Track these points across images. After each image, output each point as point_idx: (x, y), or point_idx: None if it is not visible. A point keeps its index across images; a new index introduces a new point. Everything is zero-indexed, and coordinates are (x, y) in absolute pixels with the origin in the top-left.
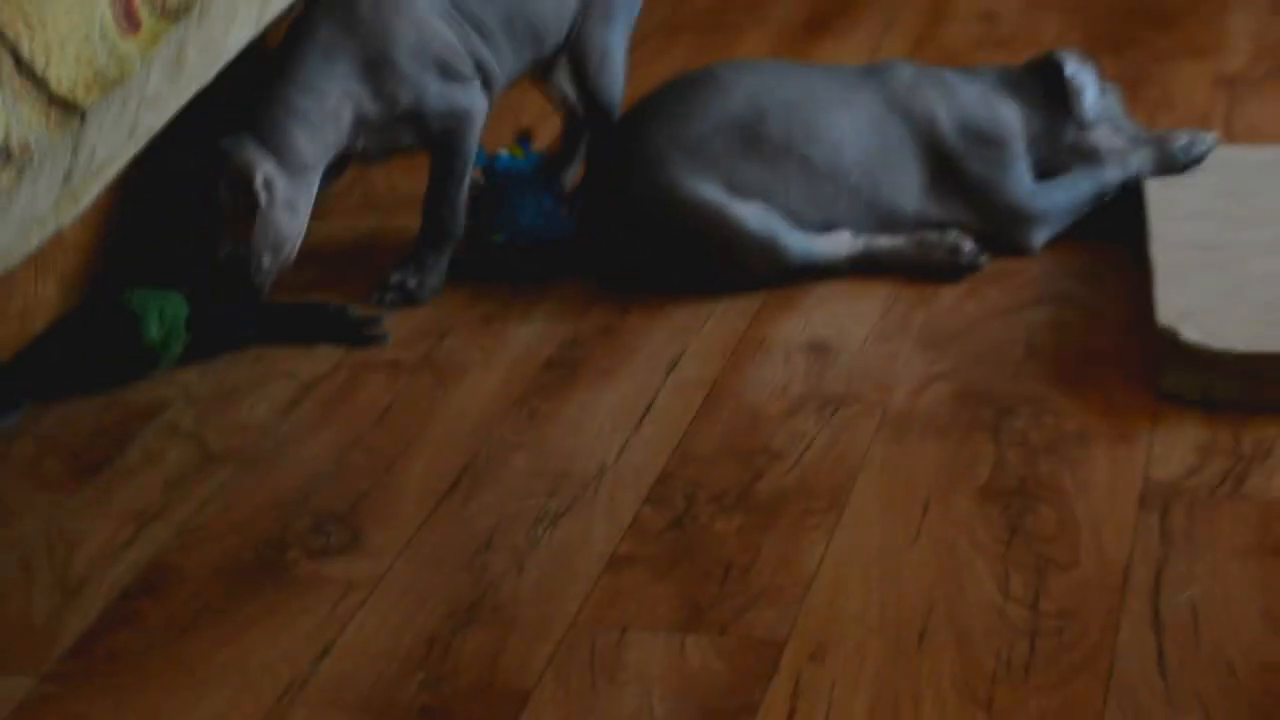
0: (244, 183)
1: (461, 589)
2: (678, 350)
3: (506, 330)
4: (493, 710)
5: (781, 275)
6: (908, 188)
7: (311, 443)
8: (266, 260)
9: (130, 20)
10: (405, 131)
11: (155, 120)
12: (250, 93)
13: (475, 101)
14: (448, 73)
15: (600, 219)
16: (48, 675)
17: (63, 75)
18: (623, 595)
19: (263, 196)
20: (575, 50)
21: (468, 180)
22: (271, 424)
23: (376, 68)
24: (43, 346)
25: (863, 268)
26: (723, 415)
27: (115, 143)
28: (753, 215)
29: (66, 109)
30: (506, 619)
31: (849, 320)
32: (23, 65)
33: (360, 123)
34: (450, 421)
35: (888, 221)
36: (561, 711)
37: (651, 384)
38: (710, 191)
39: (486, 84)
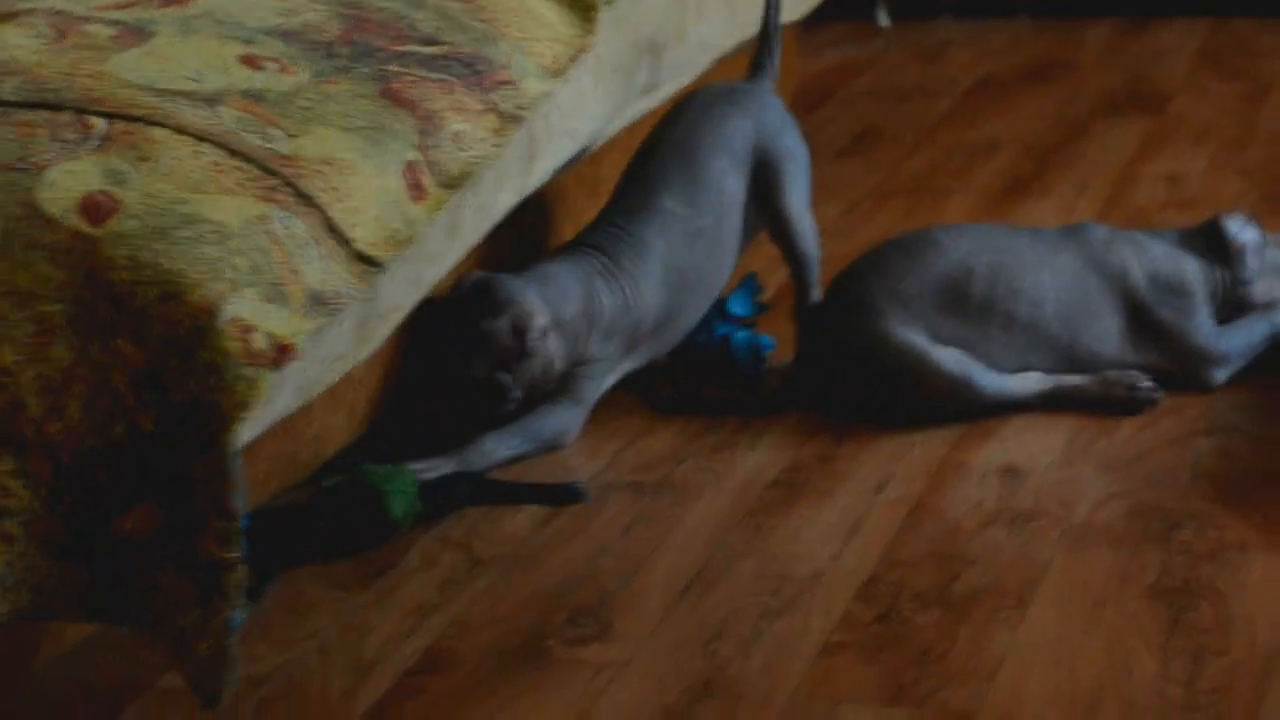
0: (523, 328)
1: (696, 671)
2: (886, 474)
3: (735, 457)
4: None
5: (977, 410)
6: (1105, 335)
7: (566, 550)
8: (520, 394)
9: (418, 189)
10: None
11: (435, 274)
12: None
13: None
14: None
15: (820, 358)
16: None
17: (365, 236)
18: (835, 675)
19: (538, 344)
20: (772, 225)
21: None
22: (530, 535)
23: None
24: (294, 521)
25: (1051, 404)
26: (925, 528)
27: (402, 293)
28: (951, 359)
29: (367, 265)
30: (735, 695)
31: (1037, 448)
32: (333, 228)
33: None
34: (686, 534)
35: (1084, 365)
36: None
37: (863, 502)
38: (915, 338)
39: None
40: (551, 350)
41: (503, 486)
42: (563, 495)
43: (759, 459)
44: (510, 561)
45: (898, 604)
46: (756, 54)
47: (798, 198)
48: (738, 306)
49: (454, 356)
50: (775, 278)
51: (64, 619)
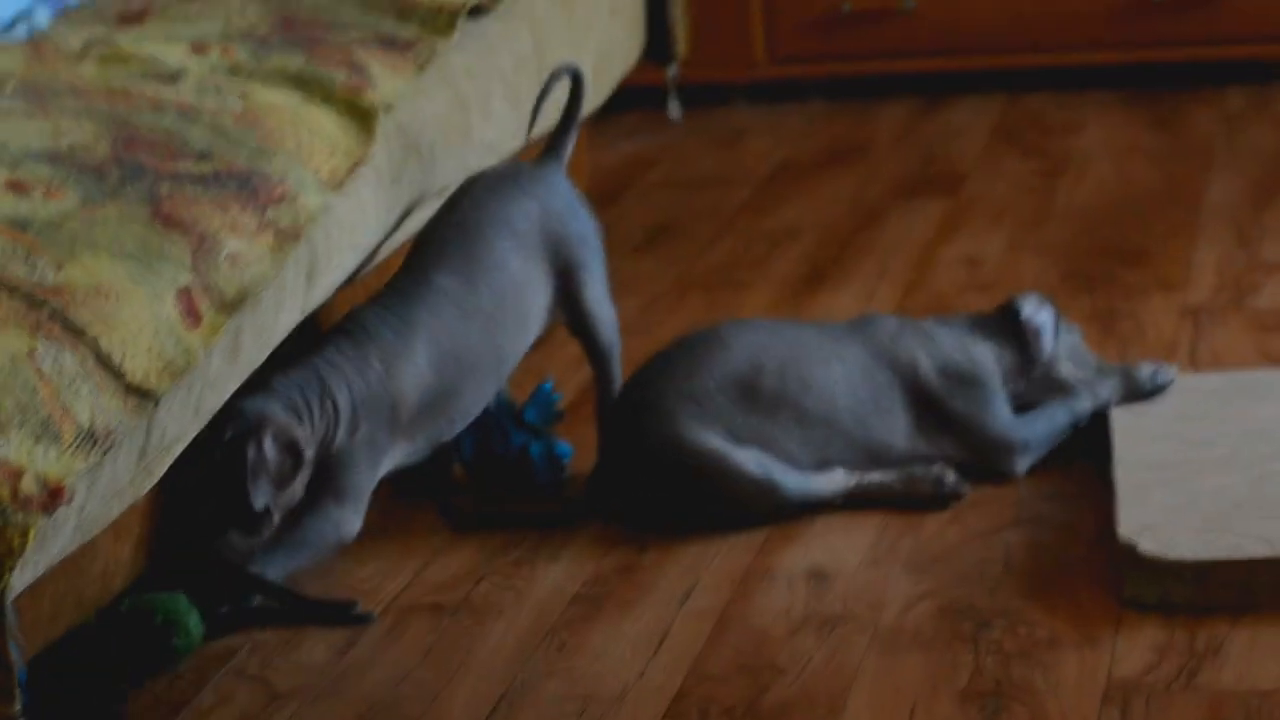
0: (289, 443)
1: None
2: (690, 582)
3: (535, 572)
4: None
5: (781, 512)
6: (896, 428)
7: (366, 678)
8: (279, 516)
9: (193, 315)
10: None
11: (216, 400)
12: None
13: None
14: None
15: (615, 466)
16: None
17: (137, 367)
18: None
19: (307, 454)
20: (568, 310)
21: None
22: (329, 664)
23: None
24: (71, 657)
25: (856, 502)
26: (731, 638)
27: (182, 422)
28: (752, 460)
29: (142, 396)
30: None
31: (844, 549)
32: (103, 359)
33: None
34: (488, 655)
35: (879, 458)
36: None
37: (667, 614)
38: (713, 440)
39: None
40: (307, 458)
41: (284, 604)
42: (341, 615)
43: (560, 573)
44: (310, 693)
45: None
46: (551, 137)
47: (594, 285)
48: (534, 415)
49: (219, 494)
50: (576, 378)
51: None
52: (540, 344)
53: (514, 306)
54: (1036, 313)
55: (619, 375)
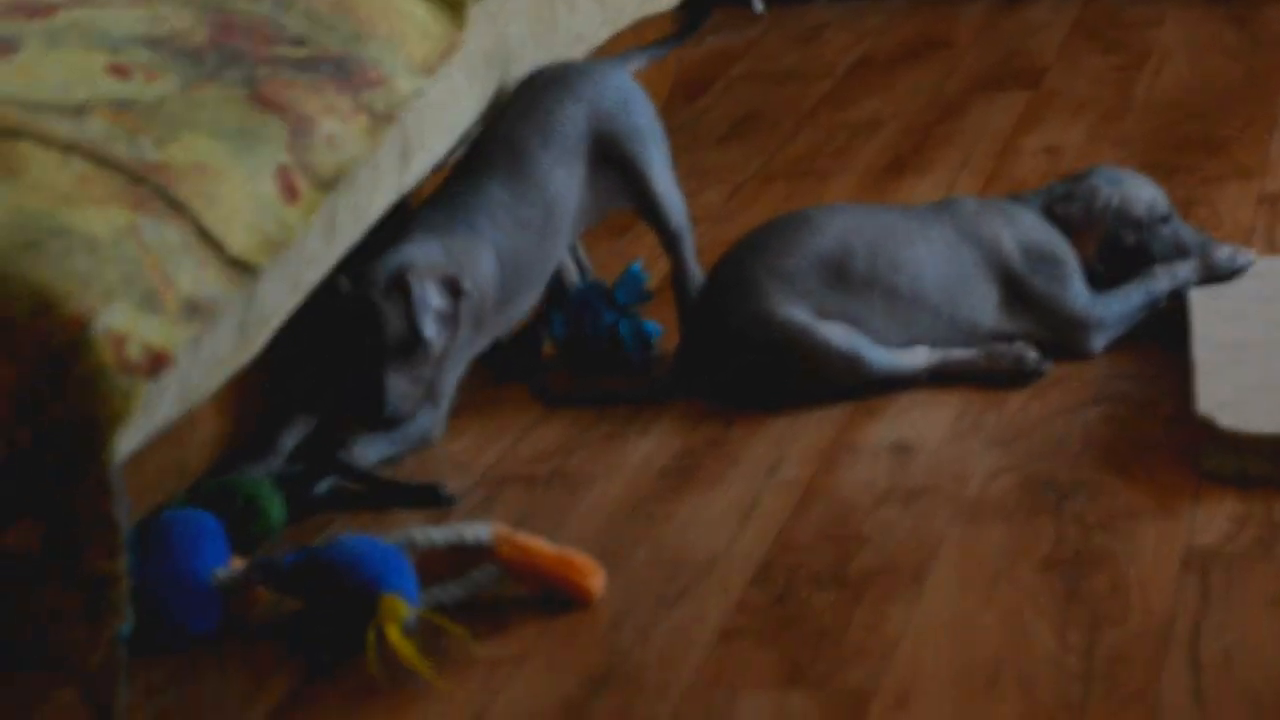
0: (449, 280)
1: (594, 662)
2: (777, 456)
3: (626, 446)
4: None
5: (866, 387)
6: (981, 306)
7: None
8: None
9: (291, 192)
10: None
11: (313, 276)
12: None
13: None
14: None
15: (704, 342)
16: None
17: (236, 241)
18: (734, 661)
19: (465, 286)
20: (638, 203)
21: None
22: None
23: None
24: None
25: (939, 378)
26: (818, 509)
27: (281, 296)
28: (839, 335)
29: (242, 269)
30: (633, 684)
31: (927, 423)
32: (204, 233)
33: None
34: (580, 525)
35: (964, 337)
36: None
37: (755, 486)
38: (801, 315)
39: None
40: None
41: (371, 486)
42: (427, 496)
43: (649, 447)
44: None
45: (793, 587)
46: (644, 46)
47: (658, 174)
48: (624, 294)
49: (383, 335)
50: (664, 260)
51: None
52: (628, 228)
53: (561, 216)
54: (1109, 186)
55: (692, 258)
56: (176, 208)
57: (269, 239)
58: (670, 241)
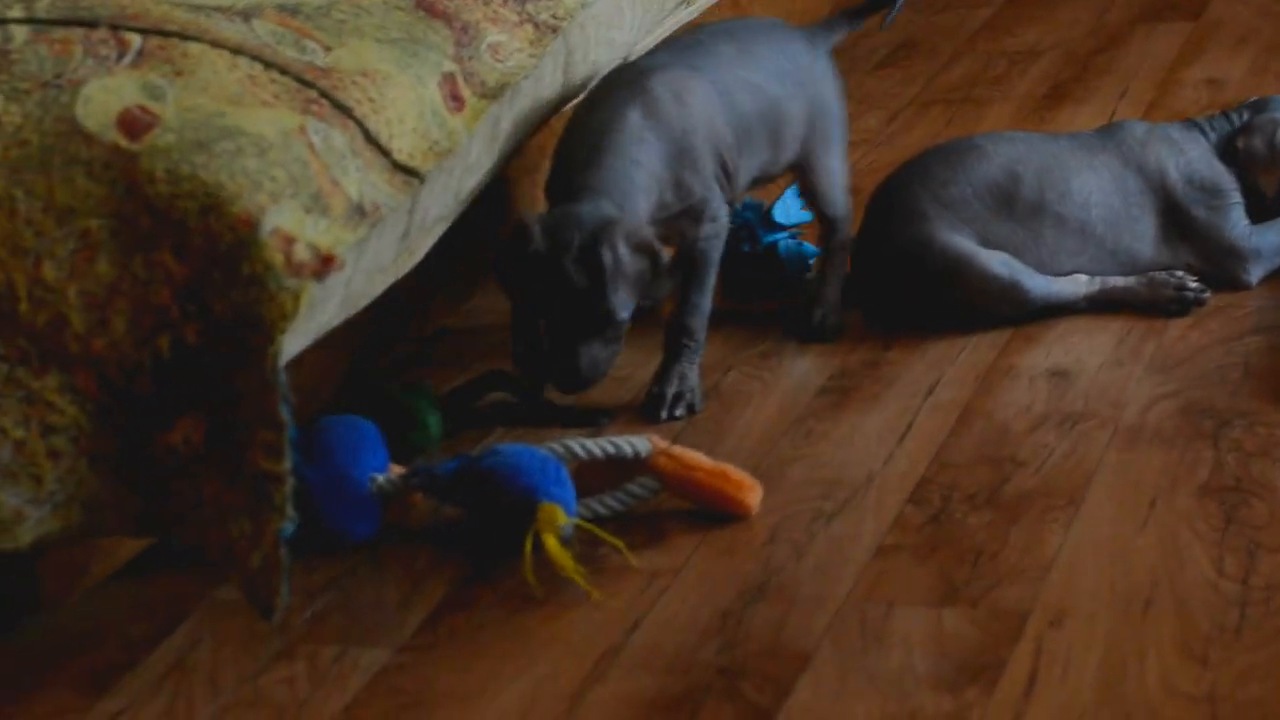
0: (649, 249)
1: (750, 575)
2: (934, 378)
3: (782, 364)
4: (779, 668)
5: (1025, 314)
6: (1144, 235)
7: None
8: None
9: (456, 100)
10: (678, 233)
11: (475, 185)
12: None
13: (727, 213)
14: (721, 175)
15: (867, 265)
16: (400, 648)
17: (403, 146)
18: (888, 577)
19: (662, 255)
20: (805, 176)
21: (711, 294)
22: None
23: (680, 155)
24: None
25: (1098, 306)
26: (974, 431)
27: (444, 204)
28: (999, 262)
29: (407, 174)
30: (789, 597)
31: (1086, 351)
32: (370, 138)
33: (658, 213)
34: (736, 441)
35: (1126, 266)
36: (838, 669)
37: (911, 406)
38: (962, 242)
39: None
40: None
41: (530, 403)
42: (585, 415)
43: (806, 366)
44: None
45: (949, 506)
46: (840, 16)
47: (837, 160)
48: (782, 215)
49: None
50: None
51: (115, 534)
52: None
53: (777, 115)
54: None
55: (845, 245)
56: (343, 112)
57: (434, 146)
58: (828, 230)
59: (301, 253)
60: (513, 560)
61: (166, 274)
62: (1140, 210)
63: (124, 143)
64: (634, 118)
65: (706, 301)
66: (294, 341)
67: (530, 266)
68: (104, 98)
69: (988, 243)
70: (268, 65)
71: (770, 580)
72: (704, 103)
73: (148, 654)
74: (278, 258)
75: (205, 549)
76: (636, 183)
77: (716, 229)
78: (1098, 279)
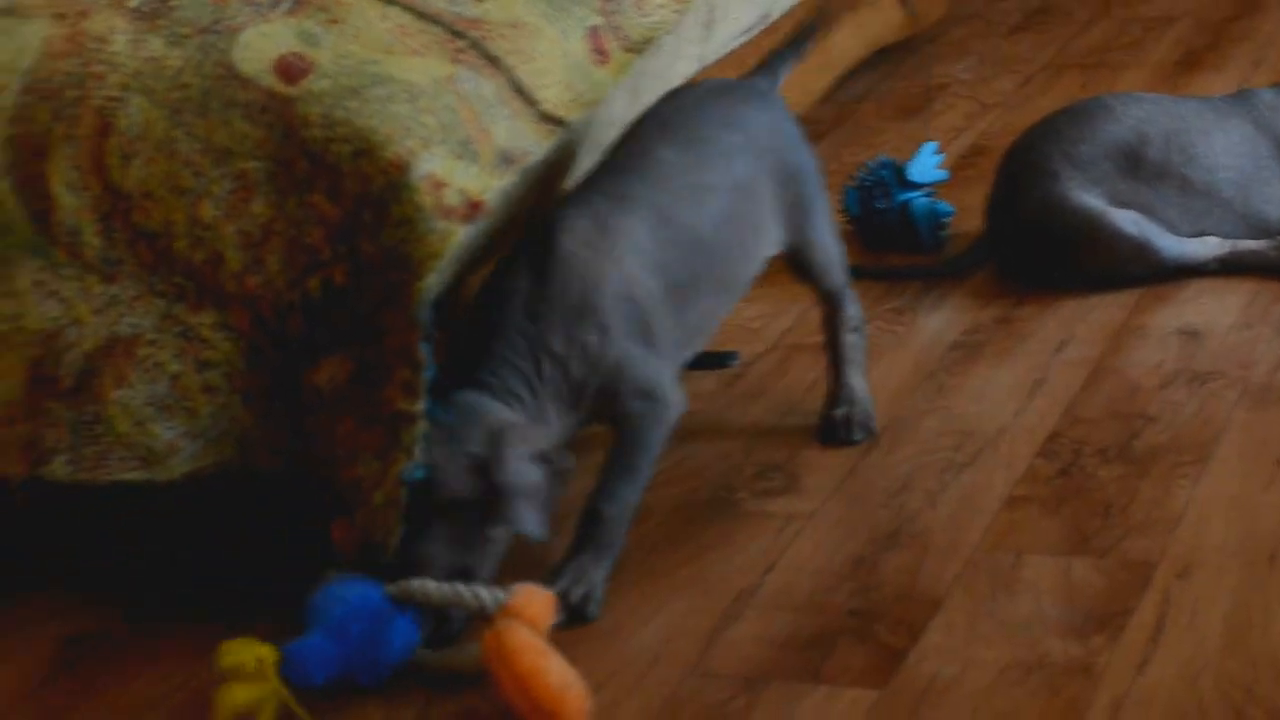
0: (548, 459)
1: (883, 521)
2: (1066, 335)
3: (916, 319)
4: (911, 612)
5: (1155, 274)
6: (1274, 199)
7: (751, 410)
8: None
9: (601, 53)
10: (595, 408)
11: (610, 137)
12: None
13: (675, 392)
14: (648, 338)
15: (999, 224)
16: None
17: (549, 97)
18: (1019, 526)
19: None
20: (801, 254)
21: (642, 485)
22: (717, 394)
23: (579, 316)
24: None
25: (1228, 268)
26: (1105, 387)
27: (590, 156)
28: (1130, 222)
29: (553, 124)
30: (922, 544)
31: (1215, 310)
32: (518, 88)
33: (567, 391)
34: (871, 393)
35: (1255, 228)
36: (968, 614)
37: (1042, 362)
38: (1093, 201)
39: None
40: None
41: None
42: (718, 360)
43: (939, 322)
44: (699, 420)
45: (1079, 459)
46: (772, 56)
47: (822, 222)
48: (917, 173)
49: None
50: (958, 142)
51: (264, 471)
52: (918, 110)
53: (743, 212)
54: None
55: (854, 314)
56: (492, 62)
57: (579, 97)
58: (828, 300)
59: (451, 197)
60: (650, 498)
61: (319, 215)
62: (1270, 174)
63: (280, 87)
64: (527, 288)
65: (633, 493)
66: (435, 283)
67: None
68: (261, 43)
69: (1118, 202)
70: (419, 15)
71: (903, 527)
72: (624, 249)
73: None
74: (428, 201)
75: (334, 485)
76: (530, 372)
77: (650, 407)
78: (1228, 241)
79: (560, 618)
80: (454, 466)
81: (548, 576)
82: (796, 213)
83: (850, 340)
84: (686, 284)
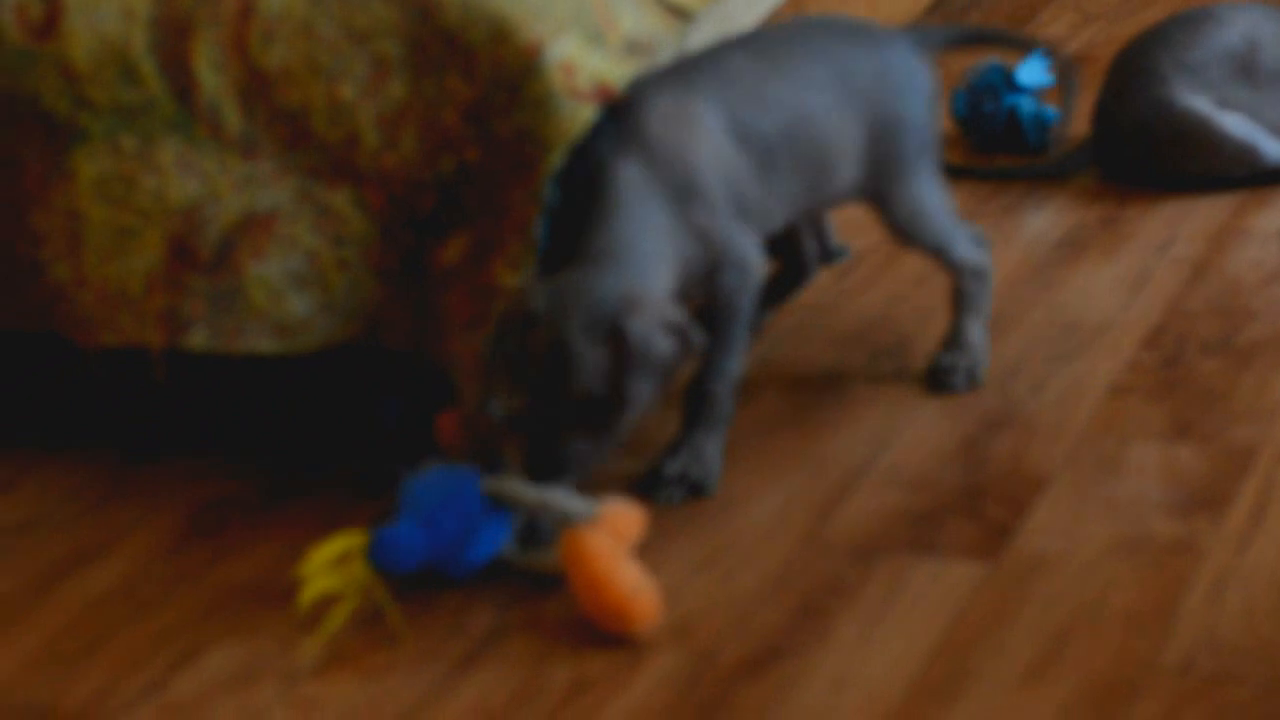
0: (679, 330)
1: (992, 406)
2: (1169, 235)
3: (1022, 218)
4: (1018, 489)
5: (1259, 177)
6: None
7: (863, 299)
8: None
9: None
10: (694, 284)
11: (728, 31)
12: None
13: (758, 256)
14: (742, 211)
15: (1106, 126)
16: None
17: None
18: (1124, 414)
19: (696, 341)
20: (881, 207)
21: (741, 354)
22: (829, 286)
23: (688, 199)
24: None
25: None
26: (1208, 284)
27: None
28: (1236, 125)
29: (679, 15)
30: (1029, 428)
31: None
32: None
33: (684, 274)
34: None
35: None
36: (1075, 494)
37: (1147, 260)
38: (1201, 104)
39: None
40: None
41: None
42: (827, 255)
43: (1045, 221)
44: (811, 309)
45: (1183, 352)
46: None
47: (916, 184)
48: (1026, 77)
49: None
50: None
51: (393, 347)
52: (1028, 18)
53: (816, 139)
54: None
55: (969, 262)
56: None
57: None
58: (955, 276)
59: (582, 81)
60: (764, 379)
61: (454, 96)
62: None
63: None
64: (629, 168)
65: (735, 364)
66: (557, 159)
67: (531, 345)
68: None
69: (1225, 107)
70: None
71: (1011, 412)
72: (707, 129)
73: None
74: (560, 83)
75: (437, 360)
76: (649, 246)
77: (743, 279)
78: None
79: (680, 494)
80: (588, 336)
81: (664, 455)
82: (885, 166)
83: (967, 288)
84: (769, 168)
